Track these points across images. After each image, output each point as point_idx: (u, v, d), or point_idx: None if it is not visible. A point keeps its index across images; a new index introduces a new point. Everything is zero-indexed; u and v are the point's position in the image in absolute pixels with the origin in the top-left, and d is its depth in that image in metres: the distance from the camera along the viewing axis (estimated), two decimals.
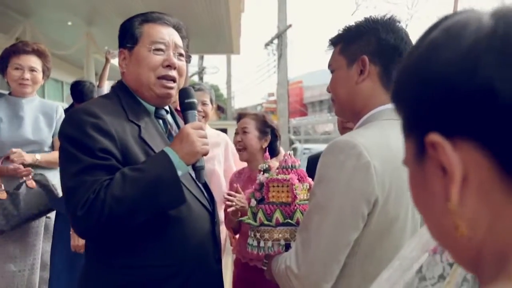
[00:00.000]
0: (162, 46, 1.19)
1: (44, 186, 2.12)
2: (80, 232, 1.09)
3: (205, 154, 1.13)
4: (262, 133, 1.94)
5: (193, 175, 1.21)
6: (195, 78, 21.51)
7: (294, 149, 11.92)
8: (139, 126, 1.14)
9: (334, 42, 1.07)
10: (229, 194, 1.74)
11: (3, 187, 2.03)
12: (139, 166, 1.06)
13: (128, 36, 1.21)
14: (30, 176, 2.10)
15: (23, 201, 2.03)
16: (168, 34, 1.22)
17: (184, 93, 1.21)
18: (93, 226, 1.01)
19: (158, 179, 1.03)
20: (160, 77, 1.18)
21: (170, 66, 1.19)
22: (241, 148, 1.92)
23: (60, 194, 2.16)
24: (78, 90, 3.32)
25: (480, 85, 0.33)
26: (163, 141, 1.19)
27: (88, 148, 1.03)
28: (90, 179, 1.01)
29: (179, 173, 1.06)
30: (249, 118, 1.94)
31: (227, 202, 1.72)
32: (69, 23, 6.63)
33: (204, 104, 2.24)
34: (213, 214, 1.25)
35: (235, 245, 2.10)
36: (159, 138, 1.18)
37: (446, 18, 0.39)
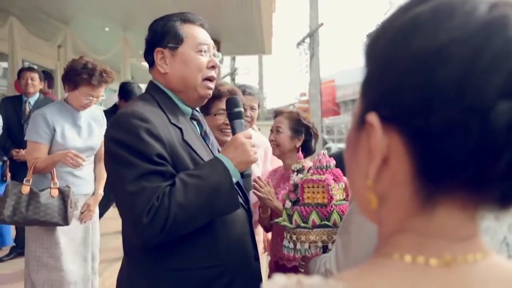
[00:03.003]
0: (206, 48, 1.22)
1: (63, 199, 2.18)
2: (145, 239, 1.05)
3: (255, 162, 1.17)
4: (296, 132, 1.90)
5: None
6: (227, 79, 21.69)
7: (328, 149, 11.76)
8: (180, 129, 1.15)
9: None
10: (258, 179, 1.75)
11: (30, 182, 2.16)
12: (197, 173, 1.08)
13: (170, 36, 1.19)
14: (58, 184, 2.21)
15: (36, 203, 2.12)
16: (207, 36, 1.25)
17: (232, 102, 1.24)
18: (158, 233, 1.01)
19: (217, 186, 1.07)
20: (205, 79, 1.21)
21: (213, 67, 1.22)
22: (274, 146, 1.93)
23: (75, 211, 2.26)
24: (128, 90, 3.61)
25: (436, 89, 0.33)
26: (201, 143, 1.20)
27: (144, 154, 1.03)
28: (150, 185, 1.02)
29: (234, 180, 1.10)
30: (283, 117, 1.93)
31: (254, 183, 1.71)
32: (106, 29, 6.87)
33: (252, 109, 2.25)
34: (249, 213, 1.28)
35: (267, 246, 2.09)
36: (198, 140, 1.20)
37: None
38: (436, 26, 0.34)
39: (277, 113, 2.00)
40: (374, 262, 0.39)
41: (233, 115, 1.23)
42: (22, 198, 2.11)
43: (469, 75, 0.32)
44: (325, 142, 14.99)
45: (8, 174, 4.22)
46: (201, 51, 1.20)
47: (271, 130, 1.95)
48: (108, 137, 1.10)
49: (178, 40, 1.19)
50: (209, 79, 1.21)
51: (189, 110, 1.24)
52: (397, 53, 0.35)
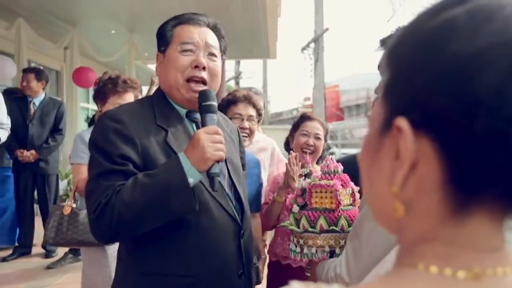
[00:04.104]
0: (191, 47, 1.16)
1: None
2: (95, 235, 1.08)
3: (220, 160, 1.06)
4: (325, 141, 1.99)
5: (228, 182, 1.17)
6: (232, 83, 21.74)
7: (332, 154, 11.72)
8: (166, 131, 1.12)
9: None
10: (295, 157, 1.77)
11: (73, 202, 2.19)
12: (151, 172, 1.04)
13: (161, 40, 1.20)
14: None
15: (75, 222, 2.14)
16: (199, 34, 1.17)
17: (202, 96, 1.14)
18: (105, 230, 1.02)
19: (167, 185, 1.01)
20: (189, 79, 1.15)
21: (198, 67, 1.15)
22: (310, 152, 1.92)
23: None
24: None
25: (477, 96, 0.31)
26: None
27: (107, 153, 1.04)
28: (105, 183, 1.02)
29: (191, 180, 1.02)
30: (320, 125, 1.97)
31: (290, 157, 1.75)
32: (113, 31, 6.90)
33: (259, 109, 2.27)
34: (240, 225, 1.18)
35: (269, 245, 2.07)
36: (187, 142, 1.12)
37: None
38: (474, 30, 0.32)
39: (308, 118, 2.00)
40: (398, 273, 0.36)
41: (203, 109, 1.13)
42: (64, 218, 2.15)
43: (509, 82, 0.31)
44: (328, 147, 14.92)
45: None
46: (184, 50, 1.15)
47: (305, 134, 1.94)
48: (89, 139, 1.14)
49: (166, 42, 1.18)
50: (193, 79, 1.14)
51: (183, 111, 1.20)
52: (429, 57, 0.34)
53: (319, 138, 1.93)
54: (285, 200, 1.80)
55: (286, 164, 1.82)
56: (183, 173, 1.02)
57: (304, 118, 2.01)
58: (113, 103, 2.25)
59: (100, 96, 2.30)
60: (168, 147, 1.10)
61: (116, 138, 1.05)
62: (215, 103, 1.14)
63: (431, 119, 0.33)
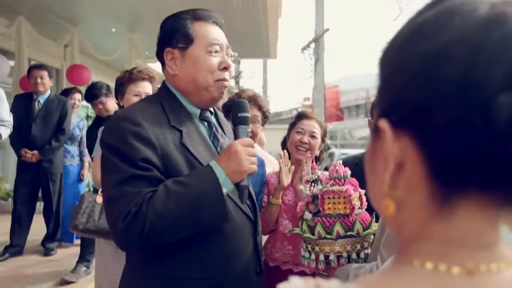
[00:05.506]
0: (218, 48, 1.16)
1: None
2: (121, 244, 1.04)
3: (252, 173, 1.08)
4: (322, 141, 1.91)
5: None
6: (232, 83, 21.73)
7: (331, 154, 11.71)
8: (181, 132, 1.10)
9: None
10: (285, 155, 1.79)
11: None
12: (183, 180, 1.02)
13: (179, 36, 1.15)
14: None
15: None
16: (220, 35, 1.18)
17: (238, 106, 1.15)
18: (134, 239, 0.98)
19: (202, 196, 1.00)
20: (218, 80, 1.15)
21: (226, 68, 1.15)
22: (305, 150, 1.86)
23: None
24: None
25: (437, 88, 0.33)
26: (207, 145, 1.14)
27: (129, 158, 1.00)
28: (132, 190, 0.98)
29: (224, 191, 1.02)
30: (316, 123, 1.91)
31: (281, 155, 1.76)
32: (113, 30, 6.88)
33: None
34: (255, 224, 1.20)
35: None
36: (202, 143, 1.13)
37: None
38: (438, 28, 0.35)
39: (305, 116, 1.95)
40: (395, 269, 0.38)
41: (238, 120, 1.13)
42: (96, 207, 2.14)
43: (469, 72, 0.32)
44: (328, 148, 14.94)
45: (85, 174, 4.38)
46: (214, 51, 1.14)
47: (300, 132, 1.88)
48: (100, 140, 1.09)
49: (188, 40, 1.14)
50: (222, 80, 1.15)
51: (197, 111, 1.18)
52: (403, 59, 0.36)
53: (315, 137, 1.85)
54: (283, 201, 1.78)
55: (279, 162, 1.80)
56: (219, 184, 1.01)
57: (301, 116, 1.96)
58: (131, 93, 2.21)
59: (118, 88, 2.26)
60: (185, 149, 1.08)
61: (136, 141, 1.01)
62: (249, 115, 1.16)
63: (407, 116, 0.35)
